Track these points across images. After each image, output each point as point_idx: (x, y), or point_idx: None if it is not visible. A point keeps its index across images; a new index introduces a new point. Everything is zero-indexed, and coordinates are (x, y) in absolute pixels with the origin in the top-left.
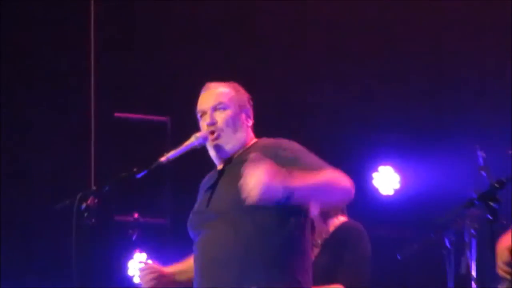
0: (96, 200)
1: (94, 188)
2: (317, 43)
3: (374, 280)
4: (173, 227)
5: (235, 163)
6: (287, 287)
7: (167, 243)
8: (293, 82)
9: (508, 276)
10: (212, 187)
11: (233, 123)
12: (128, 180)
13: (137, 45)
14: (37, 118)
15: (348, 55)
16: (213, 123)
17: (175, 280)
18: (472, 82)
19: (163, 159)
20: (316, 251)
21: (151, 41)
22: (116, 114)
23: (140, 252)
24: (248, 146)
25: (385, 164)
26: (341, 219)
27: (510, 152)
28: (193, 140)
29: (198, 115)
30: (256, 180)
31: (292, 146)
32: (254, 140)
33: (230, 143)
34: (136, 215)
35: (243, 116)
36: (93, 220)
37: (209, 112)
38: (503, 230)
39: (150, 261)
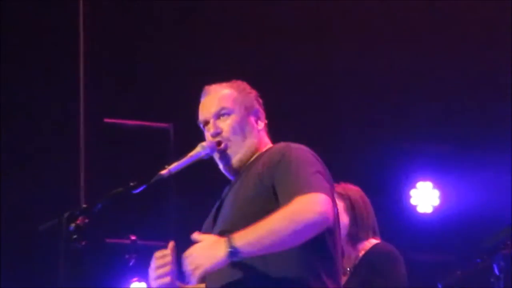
0: (86, 220)
1: (84, 206)
2: (348, 46)
3: None
4: (177, 251)
5: (242, 174)
6: None
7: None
8: (322, 88)
9: None
10: (221, 203)
11: (241, 129)
12: (124, 197)
13: (133, 44)
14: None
15: (381, 58)
16: (217, 133)
17: None
18: None
19: (164, 172)
20: (344, 279)
21: (150, 41)
22: (109, 120)
23: (139, 280)
24: (261, 152)
25: (423, 180)
26: (373, 241)
27: None
28: (199, 150)
29: (201, 125)
30: (192, 265)
31: (292, 153)
32: (269, 145)
33: (240, 153)
34: (133, 237)
35: (252, 119)
36: (84, 243)
37: (212, 121)
38: None
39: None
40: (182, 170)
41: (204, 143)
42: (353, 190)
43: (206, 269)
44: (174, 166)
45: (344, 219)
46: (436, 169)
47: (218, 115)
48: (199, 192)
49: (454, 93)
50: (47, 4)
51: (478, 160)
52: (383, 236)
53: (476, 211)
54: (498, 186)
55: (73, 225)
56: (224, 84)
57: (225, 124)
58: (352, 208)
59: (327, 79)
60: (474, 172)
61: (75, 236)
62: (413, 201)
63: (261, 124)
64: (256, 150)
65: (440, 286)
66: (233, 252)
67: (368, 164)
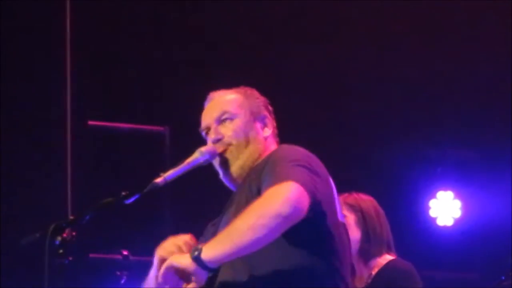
0: (73, 233)
1: (71, 217)
2: (366, 51)
3: None
4: None
5: (243, 183)
6: None
7: None
8: (336, 94)
9: None
10: (222, 214)
11: (244, 133)
12: (115, 207)
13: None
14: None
15: (402, 61)
16: (218, 139)
17: None
18: None
19: (159, 180)
20: None
21: (146, 41)
22: (97, 123)
23: None
24: (262, 159)
25: (444, 189)
26: (387, 258)
27: None
28: (197, 156)
29: (203, 132)
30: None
31: (278, 152)
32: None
33: (241, 158)
34: (125, 252)
35: (257, 125)
36: (70, 258)
37: (213, 127)
38: None
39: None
40: (178, 178)
41: (202, 149)
42: (366, 201)
43: (173, 264)
44: (170, 173)
45: (355, 233)
46: (457, 177)
47: (220, 120)
48: (197, 202)
49: (479, 98)
50: (32, 6)
51: (504, 168)
52: (398, 252)
53: (500, 224)
54: None
55: (59, 238)
56: (230, 90)
57: (228, 129)
58: (364, 220)
59: (344, 83)
60: (498, 181)
61: (61, 251)
62: (432, 212)
63: (268, 131)
64: (259, 157)
65: None
66: (197, 258)
67: (383, 172)
